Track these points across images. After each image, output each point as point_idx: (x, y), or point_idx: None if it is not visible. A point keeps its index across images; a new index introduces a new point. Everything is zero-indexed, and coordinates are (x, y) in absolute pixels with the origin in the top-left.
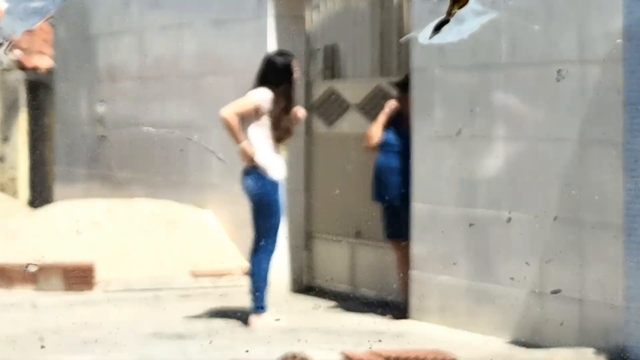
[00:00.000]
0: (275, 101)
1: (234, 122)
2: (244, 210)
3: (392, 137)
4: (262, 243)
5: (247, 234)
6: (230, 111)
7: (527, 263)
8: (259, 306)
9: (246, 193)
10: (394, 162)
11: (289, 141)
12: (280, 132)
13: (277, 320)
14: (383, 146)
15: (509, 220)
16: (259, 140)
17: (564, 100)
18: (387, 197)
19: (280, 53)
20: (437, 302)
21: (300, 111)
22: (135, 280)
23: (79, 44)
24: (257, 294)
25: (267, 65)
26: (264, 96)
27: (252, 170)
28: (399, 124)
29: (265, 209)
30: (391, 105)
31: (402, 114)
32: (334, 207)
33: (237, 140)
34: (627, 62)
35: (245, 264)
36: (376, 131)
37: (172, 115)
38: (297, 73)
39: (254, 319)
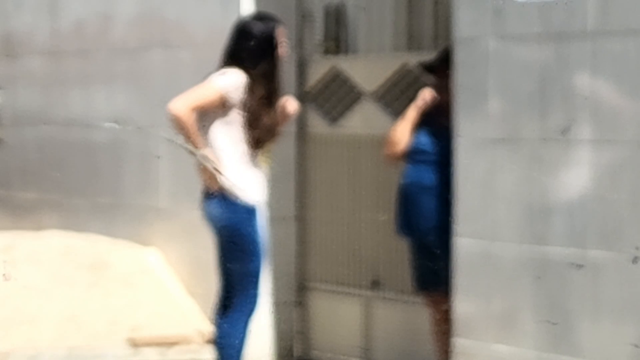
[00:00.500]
0: (252, 89)
1: (189, 120)
2: (206, 247)
3: (425, 141)
4: (235, 298)
5: (211, 284)
6: (183, 105)
7: (625, 328)
8: None
9: (209, 223)
10: (428, 177)
11: (273, 146)
12: (260, 133)
13: None
14: (412, 154)
15: (635, 260)
16: (228, 146)
17: None
18: (417, 229)
19: (259, 17)
20: None
21: (290, 103)
22: (43, 353)
23: None
24: None
25: (240, 35)
26: (233, 81)
27: (217, 191)
28: (436, 122)
29: (237, 246)
30: (426, 95)
31: (441, 107)
32: (339, 244)
33: (194, 146)
34: None
35: (208, 328)
36: (403, 133)
37: (99, 107)
38: (285, 47)
39: None
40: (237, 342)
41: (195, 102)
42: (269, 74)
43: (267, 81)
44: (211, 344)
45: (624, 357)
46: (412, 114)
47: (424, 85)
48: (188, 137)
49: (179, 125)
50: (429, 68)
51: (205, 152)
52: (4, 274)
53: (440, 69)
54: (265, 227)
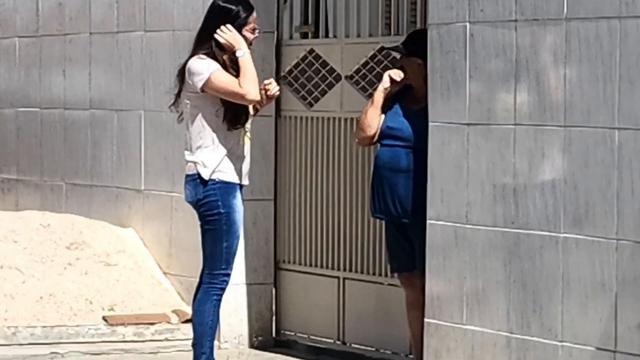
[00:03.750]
0: (226, 69)
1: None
2: (183, 228)
3: (397, 124)
4: (206, 277)
5: (187, 264)
6: (255, 89)
7: (595, 308)
8: None
9: (190, 203)
10: (402, 160)
11: (251, 126)
12: (239, 112)
13: None
14: (385, 138)
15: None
16: (212, 130)
17: None
18: (392, 211)
19: (232, 1)
20: None
21: (272, 86)
22: (22, 330)
23: None
24: (201, 350)
25: (208, 17)
26: (212, 62)
27: (197, 171)
28: (408, 105)
29: (213, 225)
30: (392, 76)
31: (413, 90)
32: (315, 224)
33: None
34: None
35: (186, 308)
36: (372, 117)
37: (78, 88)
38: (256, 32)
39: None
40: (208, 320)
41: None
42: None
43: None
44: (187, 324)
45: (593, 335)
46: (378, 97)
47: (397, 67)
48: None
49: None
50: (405, 47)
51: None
52: None
53: (413, 52)
54: (243, 207)
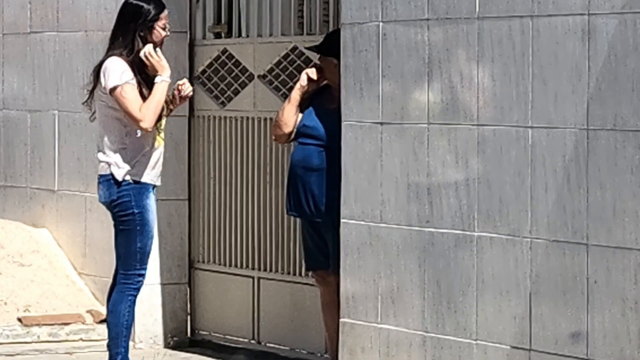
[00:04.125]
0: (133, 71)
1: (152, 118)
2: (97, 229)
3: (313, 122)
4: (120, 277)
5: (101, 265)
6: (150, 119)
7: (510, 306)
8: None
9: (104, 203)
10: (316, 159)
11: (165, 126)
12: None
13: None
14: (301, 136)
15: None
16: (122, 130)
17: (564, 66)
18: (305, 210)
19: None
20: None
21: (185, 86)
22: None
23: None
24: (116, 351)
25: (120, 16)
26: (123, 70)
27: (109, 172)
28: (324, 103)
29: (126, 225)
30: (309, 75)
31: (331, 89)
32: (229, 224)
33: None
34: None
35: (101, 308)
36: (288, 115)
37: None
38: (167, 31)
39: None
40: (123, 320)
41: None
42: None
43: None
44: (102, 324)
45: (508, 333)
46: (295, 95)
47: (312, 66)
48: (160, 103)
49: (154, 115)
50: (320, 48)
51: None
52: None
53: (328, 51)
54: (155, 208)
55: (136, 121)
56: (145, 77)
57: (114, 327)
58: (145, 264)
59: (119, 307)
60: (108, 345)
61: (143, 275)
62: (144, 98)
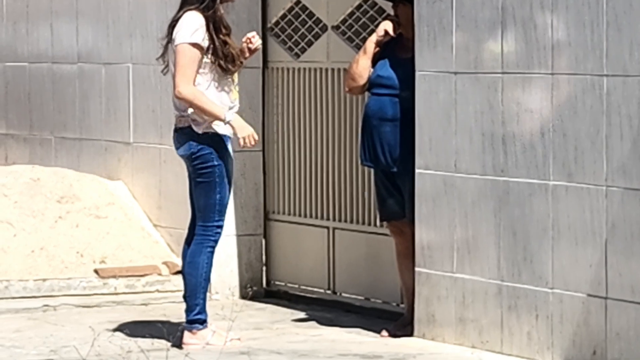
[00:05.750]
0: (208, 24)
1: (197, 93)
2: (172, 180)
3: (387, 73)
4: (198, 229)
5: (177, 216)
6: (186, 86)
7: (585, 254)
8: (196, 319)
9: (181, 155)
10: (391, 109)
11: (238, 78)
12: (225, 63)
13: (232, 340)
14: (374, 87)
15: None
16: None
17: (639, 12)
18: (380, 160)
19: None
20: (454, 312)
21: (255, 39)
22: (14, 284)
23: None
24: (195, 302)
25: None
26: (196, 27)
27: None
28: (398, 54)
29: (204, 177)
30: (383, 28)
31: (402, 39)
32: (303, 175)
33: (213, 114)
34: None
35: (176, 260)
36: (363, 67)
37: (65, 42)
38: None
39: (189, 337)
40: (202, 272)
41: (191, 75)
42: (213, 8)
43: (215, 13)
44: (178, 275)
45: (583, 282)
46: (369, 47)
47: (387, 18)
48: (204, 109)
49: (191, 104)
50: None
51: (229, 115)
52: None
53: (400, 2)
54: (234, 159)
55: (176, 83)
56: (221, 34)
57: (192, 278)
58: (224, 215)
59: (197, 258)
60: (185, 297)
61: (221, 227)
62: (217, 57)
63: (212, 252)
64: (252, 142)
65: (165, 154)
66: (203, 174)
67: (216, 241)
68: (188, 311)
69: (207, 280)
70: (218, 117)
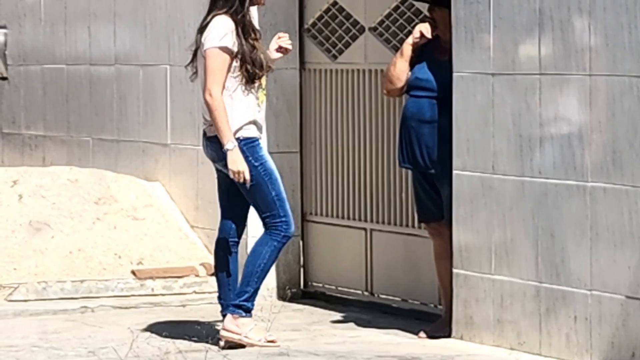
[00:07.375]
0: (237, 28)
1: (222, 103)
2: (209, 182)
3: (425, 75)
4: (268, 222)
5: (214, 217)
6: (217, 90)
7: (624, 256)
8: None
9: (213, 161)
10: (429, 111)
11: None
12: (253, 68)
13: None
14: (413, 89)
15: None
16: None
17: None
18: (419, 162)
19: None
20: (492, 313)
21: (284, 39)
22: (52, 285)
23: None
24: (244, 288)
25: None
26: (225, 31)
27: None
28: (435, 56)
29: (254, 179)
30: (419, 30)
31: (439, 41)
32: (341, 176)
33: (224, 134)
34: None
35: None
36: (400, 69)
37: (103, 44)
38: None
39: (229, 322)
40: (261, 262)
41: (221, 79)
42: (242, 12)
43: (245, 17)
44: (212, 275)
45: (622, 284)
46: (407, 50)
47: (424, 19)
48: (217, 123)
49: (211, 111)
50: (429, 1)
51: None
52: None
53: (439, 3)
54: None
55: (207, 87)
56: (250, 38)
57: (249, 265)
58: (286, 209)
59: (260, 247)
60: (219, 297)
61: (287, 223)
62: (245, 62)
63: (277, 248)
64: (241, 180)
65: (203, 156)
66: (249, 179)
67: (285, 236)
68: (237, 295)
69: (264, 272)
70: (221, 138)
